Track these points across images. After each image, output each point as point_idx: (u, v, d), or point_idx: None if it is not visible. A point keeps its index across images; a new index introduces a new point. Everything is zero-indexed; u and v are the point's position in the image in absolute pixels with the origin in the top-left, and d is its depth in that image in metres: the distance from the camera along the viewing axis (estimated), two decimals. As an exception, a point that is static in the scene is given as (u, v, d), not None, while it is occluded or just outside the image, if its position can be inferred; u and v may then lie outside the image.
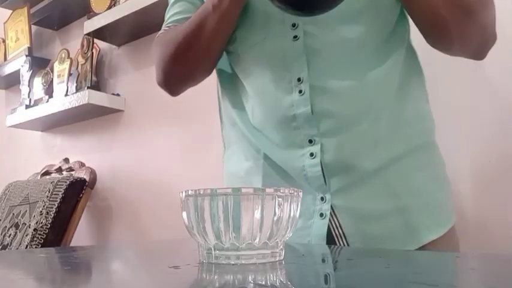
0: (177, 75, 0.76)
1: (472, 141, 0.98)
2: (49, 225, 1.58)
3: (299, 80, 0.66)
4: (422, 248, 0.65)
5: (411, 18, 0.68)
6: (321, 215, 0.67)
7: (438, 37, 0.67)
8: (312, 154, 0.66)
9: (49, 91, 2.01)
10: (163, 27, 0.79)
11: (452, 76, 1.00)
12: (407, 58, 0.71)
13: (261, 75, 0.70)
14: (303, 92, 0.66)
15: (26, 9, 2.13)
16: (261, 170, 0.73)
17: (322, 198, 0.67)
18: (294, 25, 0.66)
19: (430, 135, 0.73)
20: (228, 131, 0.82)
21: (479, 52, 0.69)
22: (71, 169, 1.85)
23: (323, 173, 0.66)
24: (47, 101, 1.94)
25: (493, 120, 0.96)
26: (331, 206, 0.66)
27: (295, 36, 0.66)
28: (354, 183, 0.66)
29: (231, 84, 0.78)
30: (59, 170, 1.89)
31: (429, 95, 0.75)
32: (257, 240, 0.40)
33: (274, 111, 0.68)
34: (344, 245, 0.66)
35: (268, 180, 0.72)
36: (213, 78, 0.86)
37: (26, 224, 1.64)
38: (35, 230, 1.57)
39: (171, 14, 0.79)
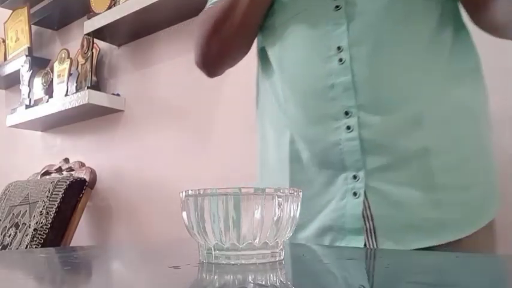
0: (215, 51, 0.76)
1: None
2: (49, 225, 1.58)
3: (339, 48, 0.64)
4: (448, 244, 0.62)
5: None
6: (354, 194, 0.64)
7: (485, 14, 0.63)
8: (348, 127, 0.63)
9: (49, 91, 2.01)
10: (205, 8, 0.80)
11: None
12: (458, 37, 0.67)
13: (298, 47, 0.68)
14: (343, 61, 0.63)
15: (26, 9, 2.13)
16: (288, 156, 0.71)
17: (354, 177, 0.64)
18: None
19: (483, 126, 0.68)
20: (261, 118, 0.80)
21: None
22: (71, 169, 1.85)
23: (361, 149, 0.63)
24: (47, 101, 1.94)
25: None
26: (365, 186, 0.64)
27: (336, 6, 0.65)
28: (391, 164, 0.63)
29: (265, 65, 0.77)
30: (59, 170, 1.89)
31: None
32: (257, 240, 0.40)
33: (310, 81, 0.66)
34: (371, 227, 0.63)
35: (295, 165, 0.71)
36: (213, 78, 0.85)
37: (26, 224, 1.64)
38: (35, 230, 1.57)
39: None
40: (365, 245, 0.64)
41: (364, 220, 0.64)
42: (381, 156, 0.63)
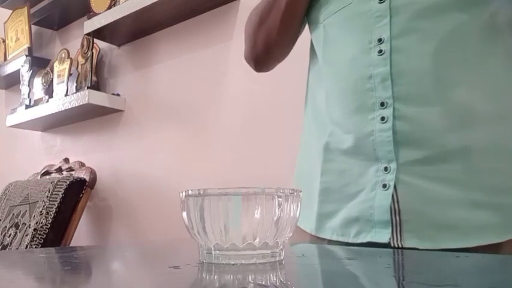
0: (261, 42, 0.78)
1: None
2: (49, 225, 1.58)
3: (380, 40, 0.64)
4: (483, 247, 0.59)
5: None
6: (384, 186, 0.63)
7: None
8: (383, 118, 0.62)
9: (49, 91, 2.01)
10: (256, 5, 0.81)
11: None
12: (511, 34, 0.65)
13: (341, 40, 0.69)
14: (382, 52, 0.63)
15: (26, 9, 2.13)
16: (323, 145, 0.70)
17: (386, 169, 0.63)
18: None
19: None
20: (307, 111, 0.80)
21: None
22: (71, 169, 1.85)
23: (394, 140, 0.62)
24: (47, 101, 1.94)
25: None
26: (395, 178, 0.62)
27: (381, 0, 0.65)
28: (428, 159, 0.61)
29: (312, 60, 0.78)
30: (59, 170, 1.89)
31: None
32: (257, 240, 0.40)
33: (350, 72, 0.66)
34: (397, 222, 0.61)
35: (329, 155, 0.70)
36: (213, 79, 0.85)
37: (26, 224, 1.64)
38: (35, 230, 1.57)
39: None
40: (389, 242, 0.62)
41: (392, 214, 0.61)
42: (416, 150, 0.61)
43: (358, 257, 0.51)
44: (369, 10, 0.65)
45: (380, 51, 0.63)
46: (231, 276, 0.36)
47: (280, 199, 0.40)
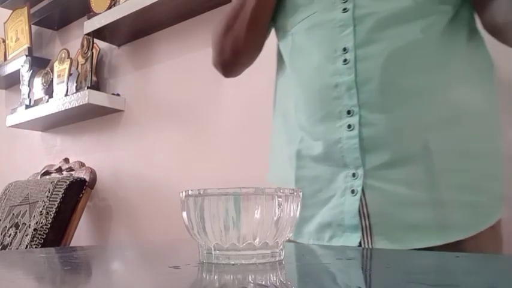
0: (227, 49, 0.80)
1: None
2: (49, 225, 1.58)
3: (344, 49, 0.66)
4: (450, 245, 0.62)
5: None
6: (352, 191, 0.65)
7: (496, 18, 0.64)
8: (349, 126, 0.65)
9: (49, 91, 2.01)
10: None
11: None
12: (471, 43, 0.68)
13: (308, 48, 0.71)
14: (347, 61, 0.65)
15: (26, 9, 2.13)
16: (295, 153, 0.73)
17: (353, 175, 0.65)
18: None
19: (492, 129, 0.68)
20: (276, 115, 0.83)
21: None
22: (71, 169, 1.85)
23: (360, 147, 0.64)
24: (47, 101, 1.94)
25: None
26: (363, 184, 0.64)
27: (344, 9, 0.67)
28: (391, 163, 0.64)
29: (280, 66, 0.80)
30: (59, 170, 1.89)
31: None
32: (257, 240, 0.40)
33: (317, 81, 0.69)
34: (367, 225, 0.64)
35: (301, 162, 0.73)
36: (213, 79, 0.86)
37: (26, 224, 1.64)
38: (35, 230, 1.57)
39: None
40: (360, 243, 0.65)
41: (361, 218, 0.64)
42: (380, 155, 0.64)
43: (358, 257, 0.51)
44: (333, 19, 0.68)
45: (345, 60, 0.66)
46: (231, 276, 0.36)
47: (280, 199, 0.40)
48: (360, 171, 0.65)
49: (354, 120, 0.65)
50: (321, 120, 0.68)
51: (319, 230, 0.69)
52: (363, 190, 0.64)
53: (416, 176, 0.63)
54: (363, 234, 0.64)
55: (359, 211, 0.64)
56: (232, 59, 0.81)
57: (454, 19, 0.66)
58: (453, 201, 0.63)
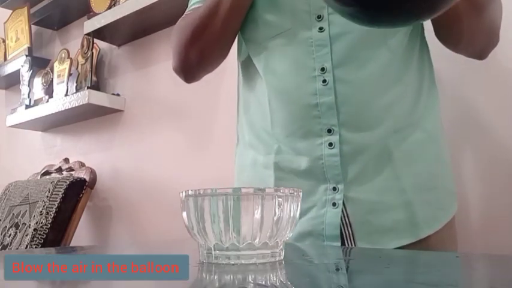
0: (193, 58, 0.78)
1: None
2: (49, 225, 1.58)
3: (323, 69, 0.68)
4: (419, 242, 0.68)
5: None
6: (334, 204, 0.69)
7: (450, 32, 0.69)
8: (330, 144, 0.68)
9: (49, 91, 2.01)
10: (184, 14, 0.81)
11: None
12: (422, 52, 0.74)
13: (283, 64, 0.71)
14: (327, 82, 0.68)
15: (26, 9, 2.13)
16: (273, 164, 0.74)
17: (334, 188, 0.69)
18: (319, 17, 0.68)
19: (441, 139, 0.76)
20: (242, 124, 0.83)
21: (482, 51, 0.72)
22: (71, 169, 1.85)
23: (341, 163, 0.68)
24: (47, 101, 1.94)
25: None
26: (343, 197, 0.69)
27: (320, 28, 0.68)
28: (367, 175, 0.69)
29: (249, 75, 0.79)
30: (59, 170, 1.89)
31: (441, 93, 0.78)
32: (257, 240, 0.40)
33: (296, 99, 0.70)
34: (349, 233, 0.68)
35: (280, 173, 0.74)
36: (212, 78, 0.86)
37: (26, 224, 1.64)
38: (35, 230, 1.57)
39: (193, 2, 0.81)
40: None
41: (343, 227, 0.69)
42: (358, 170, 0.69)
43: (357, 257, 0.51)
44: (310, 38, 0.69)
45: (324, 81, 0.68)
46: (231, 276, 0.36)
47: (280, 199, 0.40)
48: (341, 186, 0.69)
49: (334, 138, 0.68)
50: (302, 137, 0.71)
51: (299, 238, 0.72)
52: (344, 202, 0.69)
53: (387, 183, 0.69)
54: (346, 241, 0.68)
55: (341, 220, 0.69)
56: (197, 67, 0.80)
57: (412, 32, 0.72)
58: (417, 201, 0.69)
